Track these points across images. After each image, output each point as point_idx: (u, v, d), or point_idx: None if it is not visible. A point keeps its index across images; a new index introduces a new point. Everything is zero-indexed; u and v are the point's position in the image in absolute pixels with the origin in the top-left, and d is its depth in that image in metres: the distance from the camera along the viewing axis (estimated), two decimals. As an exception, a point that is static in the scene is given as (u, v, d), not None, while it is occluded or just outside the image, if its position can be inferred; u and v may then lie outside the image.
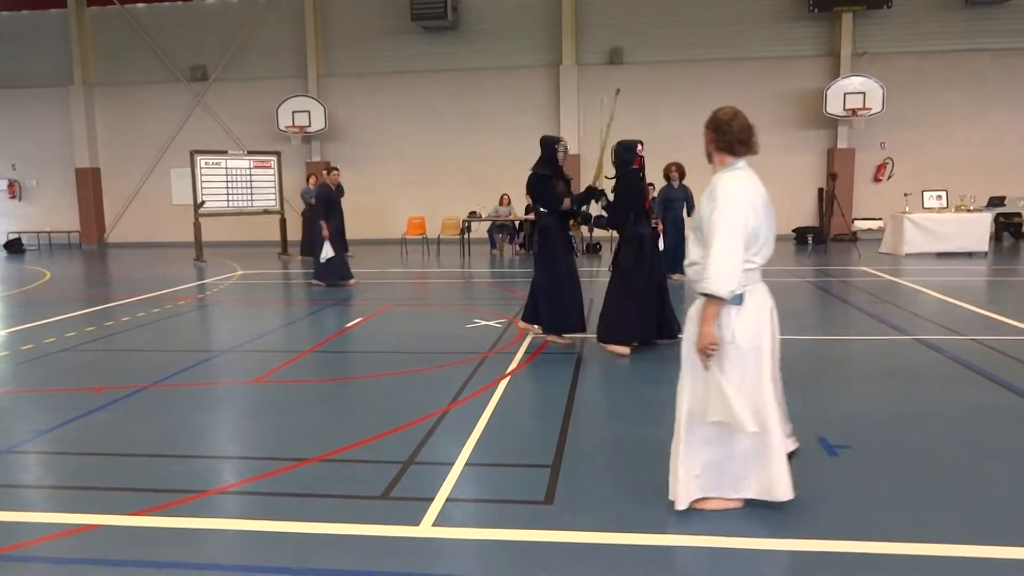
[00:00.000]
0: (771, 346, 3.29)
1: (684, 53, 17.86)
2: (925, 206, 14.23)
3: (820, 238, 16.91)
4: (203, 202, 14.73)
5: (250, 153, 15.57)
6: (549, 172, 6.83)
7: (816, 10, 16.91)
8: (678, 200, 10.97)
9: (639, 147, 6.58)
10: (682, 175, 11.02)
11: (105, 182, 20.26)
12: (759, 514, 3.37)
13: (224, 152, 15.40)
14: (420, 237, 16.83)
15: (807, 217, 17.60)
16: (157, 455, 4.27)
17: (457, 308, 9.18)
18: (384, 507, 3.57)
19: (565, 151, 6.86)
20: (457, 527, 3.33)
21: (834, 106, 16.73)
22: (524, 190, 7.06)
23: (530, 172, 6.92)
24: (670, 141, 17.74)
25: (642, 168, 6.65)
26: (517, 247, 15.83)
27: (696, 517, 3.35)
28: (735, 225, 3.08)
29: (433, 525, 3.34)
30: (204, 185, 14.74)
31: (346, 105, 18.82)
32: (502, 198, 15.86)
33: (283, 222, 15.87)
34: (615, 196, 6.67)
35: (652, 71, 17.97)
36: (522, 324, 7.37)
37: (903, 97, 16.98)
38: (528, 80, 18.34)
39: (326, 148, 19.05)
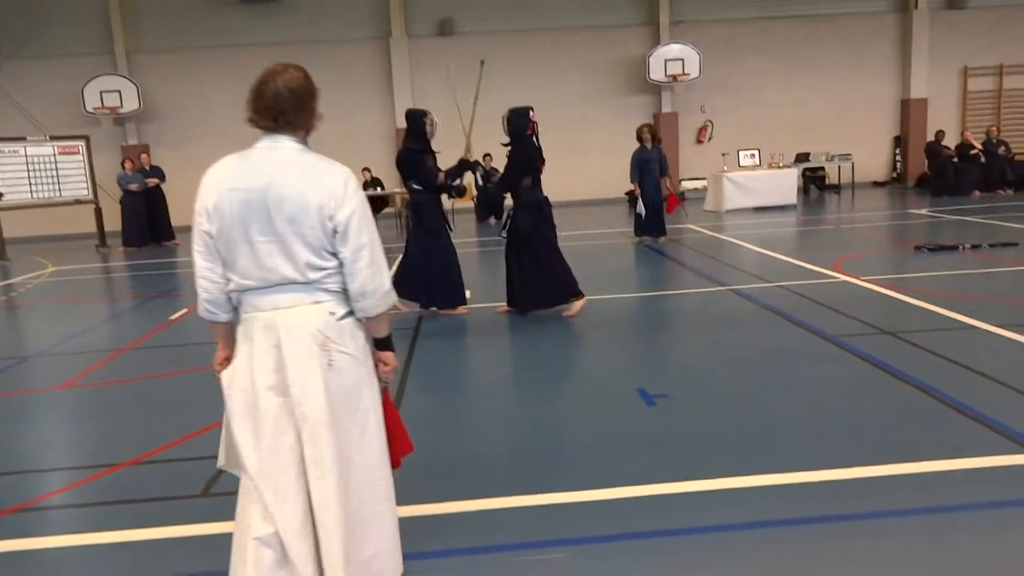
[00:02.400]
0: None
1: (514, 23, 18.02)
2: (741, 164, 15.27)
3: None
4: (1, 194, 13.32)
5: (54, 138, 14.21)
6: (419, 146, 6.76)
7: (636, -21, 17.55)
8: (653, 161, 10.85)
9: (531, 113, 6.57)
10: (654, 136, 11.00)
11: None
12: (564, 468, 3.52)
13: (23, 139, 13.95)
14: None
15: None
16: (-55, 477, 3.87)
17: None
18: (204, 505, 3.42)
19: (433, 124, 6.78)
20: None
21: (656, 72, 17.51)
22: (381, 166, 6.97)
23: (400, 148, 6.86)
24: (503, 109, 17.99)
25: (535, 133, 6.64)
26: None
27: (522, 473, 3.45)
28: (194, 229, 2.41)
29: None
30: (2, 176, 13.31)
31: (162, 83, 17.56)
32: (362, 172, 15.54)
33: (98, 212, 14.66)
34: (511, 162, 6.60)
35: (483, 41, 17.96)
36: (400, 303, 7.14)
37: (719, 63, 18.01)
38: (357, 53, 17.88)
39: (143, 129, 17.74)
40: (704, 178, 18.08)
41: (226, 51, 17.58)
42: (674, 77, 17.47)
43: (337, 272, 2.30)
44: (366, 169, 15.87)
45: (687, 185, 18.33)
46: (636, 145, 11.02)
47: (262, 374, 2.29)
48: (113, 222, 15.26)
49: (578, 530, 2.98)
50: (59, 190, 14.11)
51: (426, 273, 6.91)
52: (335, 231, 2.24)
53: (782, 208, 14.75)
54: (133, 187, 14.25)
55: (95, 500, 3.54)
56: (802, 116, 18.61)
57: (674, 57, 17.43)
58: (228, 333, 2.45)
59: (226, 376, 2.39)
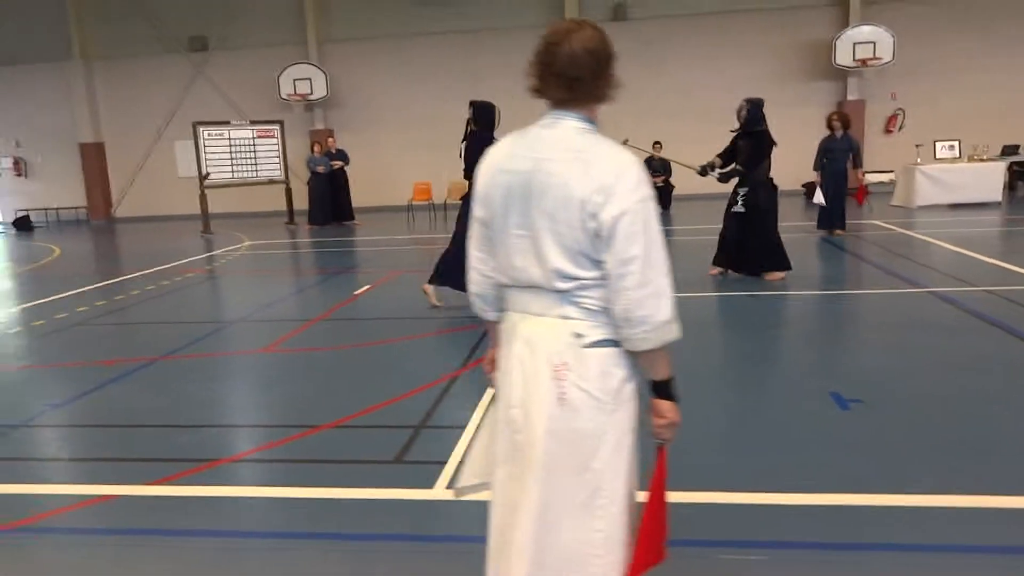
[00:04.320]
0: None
1: (688, 7, 17.50)
2: (937, 157, 14.03)
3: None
4: (208, 174, 14.68)
5: (253, 123, 15.46)
6: (493, 136, 6.68)
7: (824, -42, 16.51)
8: (839, 151, 10.52)
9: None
10: (846, 124, 10.60)
11: (110, 157, 20.20)
12: (769, 468, 3.37)
13: (227, 123, 15.30)
14: (427, 203, 16.74)
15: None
16: (171, 425, 4.30)
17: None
18: (396, 471, 3.59)
19: (499, 114, 6.85)
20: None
21: (843, 57, 16.40)
22: (463, 152, 6.82)
23: (472, 135, 6.73)
24: (676, 97, 17.59)
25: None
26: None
27: (711, 471, 3.35)
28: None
29: (447, 488, 3.35)
30: (208, 156, 14.66)
31: (347, 71, 18.60)
32: None
33: (288, 191, 15.81)
34: (752, 147, 7.61)
35: (656, 26, 17.64)
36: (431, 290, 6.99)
37: (913, 46, 16.59)
38: (530, 39, 17.79)
39: (329, 115, 18.89)
40: (892, 171, 16.80)
41: (404, 40, 18.34)
42: (863, 61, 16.29)
43: (597, 286, 1.77)
44: None
45: (871, 178, 17.05)
46: (823, 133, 10.45)
47: (502, 386, 1.93)
48: (300, 201, 16.43)
49: (788, 534, 2.85)
50: (256, 170, 15.33)
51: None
52: (597, 233, 1.73)
53: (983, 205, 13.41)
54: (320, 169, 15.23)
55: (298, 457, 3.81)
56: (1009, 103, 16.76)
57: (864, 40, 16.24)
58: (493, 332, 2.08)
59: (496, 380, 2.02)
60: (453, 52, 18.23)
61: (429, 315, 6.81)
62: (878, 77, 16.83)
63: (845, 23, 16.82)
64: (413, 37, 18.30)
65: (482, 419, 2.16)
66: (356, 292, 8.12)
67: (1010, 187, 15.92)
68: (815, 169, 10.50)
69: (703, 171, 8.00)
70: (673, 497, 1.92)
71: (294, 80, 17.87)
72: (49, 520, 3.24)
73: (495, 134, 6.78)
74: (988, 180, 13.51)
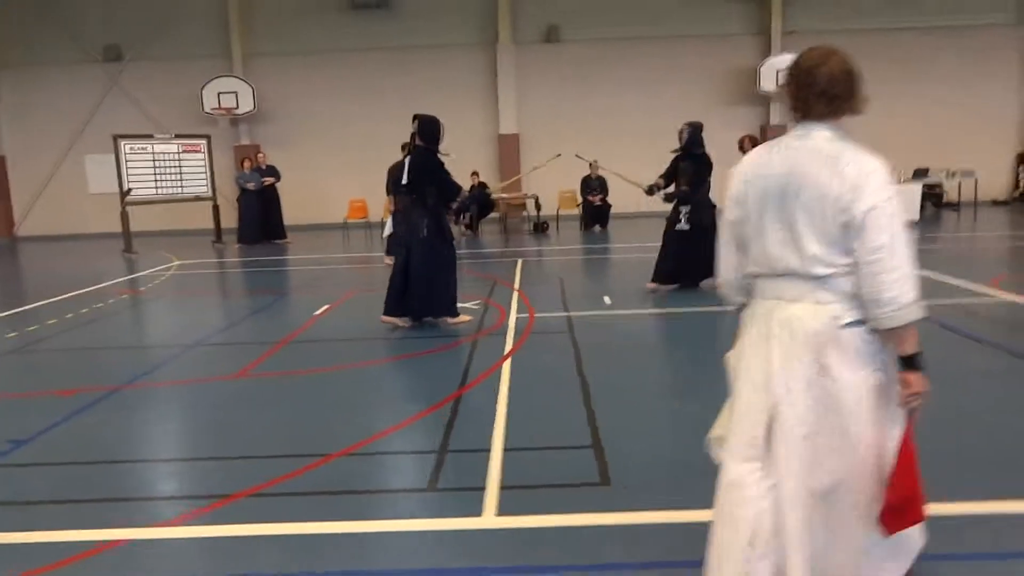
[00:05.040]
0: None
1: (619, 31, 17.87)
2: (859, 178, 14.74)
3: (757, 212, 17.37)
4: (130, 190, 13.86)
5: (178, 137, 14.73)
6: (439, 153, 6.63)
7: (748, -12, 17.21)
8: None
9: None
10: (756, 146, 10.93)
11: (11, 171, 18.84)
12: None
13: (150, 136, 14.51)
14: (363, 220, 16.35)
15: (742, 192, 17.99)
16: (164, 460, 3.95)
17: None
18: (436, 499, 3.38)
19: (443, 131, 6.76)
20: (522, 515, 3.17)
21: (768, 83, 17.10)
22: (407, 167, 6.66)
23: (418, 149, 6.60)
24: (605, 118, 17.87)
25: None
26: (463, 228, 15.57)
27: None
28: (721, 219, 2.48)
29: (498, 515, 3.18)
30: (130, 172, 13.86)
31: (275, 85, 18.03)
32: None
33: (216, 209, 15.11)
34: (695, 169, 7.90)
35: (588, 49, 17.93)
36: (393, 319, 6.77)
37: (830, 73, 17.44)
38: (465, 58, 18.01)
39: (255, 130, 18.25)
40: (811, 192, 17.57)
41: (335, 56, 17.98)
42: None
43: (848, 273, 2.08)
44: (475, 173, 15.87)
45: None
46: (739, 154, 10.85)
47: (752, 361, 2.25)
48: (227, 219, 15.75)
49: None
50: (182, 187, 14.60)
51: (431, 283, 6.61)
52: (848, 225, 2.04)
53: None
54: (251, 186, 14.66)
55: (321, 488, 3.53)
56: (919, 130, 17.86)
57: (786, 67, 16.96)
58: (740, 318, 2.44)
59: (732, 357, 2.41)
60: (386, 69, 17.97)
61: (403, 336, 6.57)
62: (799, 102, 17.58)
63: (768, 52, 17.57)
64: (344, 52, 17.95)
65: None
66: (316, 313, 7.76)
67: (920, 207, 16.92)
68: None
69: (650, 191, 8.23)
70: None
71: (219, 94, 17.19)
72: (63, 571, 2.86)
73: (439, 148, 6.67)
74: (907, 200, 14.27)
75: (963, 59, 17.73)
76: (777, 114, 17.92)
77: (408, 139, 7.20)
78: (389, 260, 10.96)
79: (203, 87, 17.27)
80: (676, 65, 17.87)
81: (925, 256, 10.64)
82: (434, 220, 6.68)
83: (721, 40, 17.85)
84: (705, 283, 7.85)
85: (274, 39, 18.03)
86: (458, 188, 6.80)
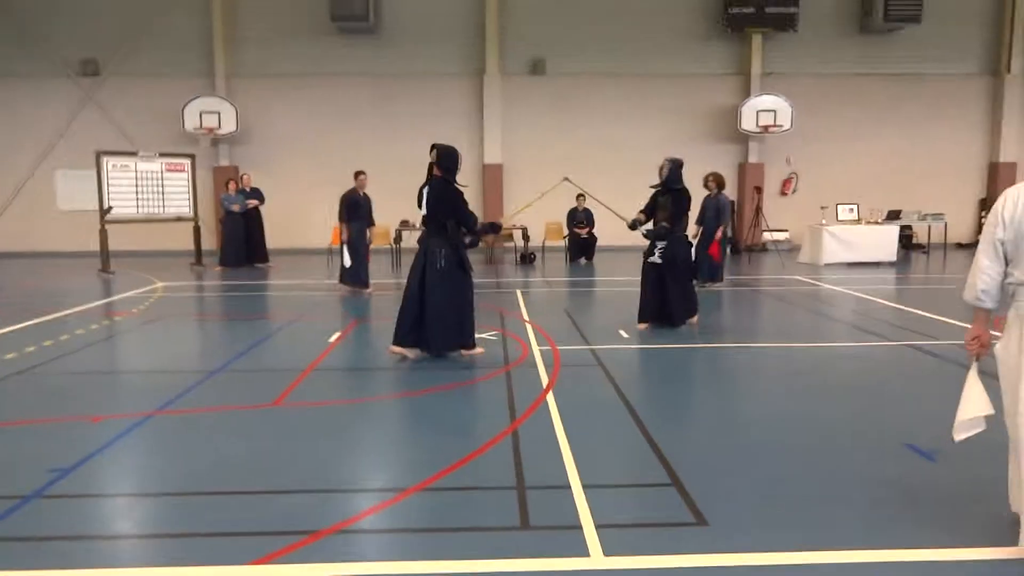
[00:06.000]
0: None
1: (604, 67, 18.17)
2: (839, 218, 15.15)
3: (736, 248, 17.67)
4: (110, 208, 13.46)
5: (162, 155, 14.39)
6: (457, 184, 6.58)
7: (730, 30, 17.68)
8: (709, 209, 11.29)
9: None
10: (720, 185, 11.31)
11: (-26, 185, 18.18)
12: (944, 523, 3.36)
13: (134, 154, 14.15)
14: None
15: (720, 228, 18.32)
16: (234, 492, 3.77)
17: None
18: (534, 538, 3.29)
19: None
20: (632, 555, 3.10)
21: (748, 122, 17.53)
22: (426, 197, 6.53)
23: (436, 179, 6.51)
24: (588, 150, 18.06)
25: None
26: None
27: (859, 527, 3.30)
28: (984, 236, 3.16)
29: (607, 555, 3.11)
30: (112, 190, 13.47)
31: (257, 107, 17.82)
32: None
33: (197, 230, 14.76)
34: (674, 204, 7.98)
35: (573, 82, 18.17)
36: (402, 350, 6.67)
37: (806, 116, 18.01)
38: (451, 87, 18.07)
39: (235, 152, 17.96)
40: (786, 230, 17.99)
41: (321, 79, 17.88)
42: (766, 128, 17.48)
43: None
44: None
45: (767, 236, 18.18)
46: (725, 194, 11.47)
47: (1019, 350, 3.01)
48: (207, 241, 15.40)
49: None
50: (163, 206, 14.24)
51: (451, 315, 6.54)
52: None
53: (879, 265, 14.57)
54: (235, 208, 14.37)
55: (410, 526, 3.42)
56: (888, 173, 18.51)
57: (766, 108, 17.47)
58: (985, 318, 3.21)
59: (1000, 347, 3.14)
60: (371, 94, 17.93)
61: (431, 366, 6.47)
62: (778, 142, 18.08)
63: (747, 92, 18.03)
64: (330, 76, 17.86)
65: (970, 379, 3.32)
66: (330, 340, 7.60)
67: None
68: (697, 223, 11.07)
69: (633, 225, 8.24)
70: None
71: (201, 113, 16.90)
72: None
73: (457, 178, 6.59)
74: (884, 241, 14.75)
75: (932, 107, 18.47)
76: (756, 153, 18.36)
77: (407, 164, 7.26)
78: (343, 289, 10.86)
79: (185, 106, 16.97)
80: (659, 101, 18.22)
81: (923, 296, 10.93)
82: (452, 250, 6.60)
83: (703, 79, 18.27)
84: (689, 321, 8.16)
85: (259, 60, 17.86)
86: (475, 218, 6.76)
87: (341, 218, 10.94)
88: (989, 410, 3.24)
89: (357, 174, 11.11)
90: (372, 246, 16.59)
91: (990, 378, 3.29)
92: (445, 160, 6.53)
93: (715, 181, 11.23)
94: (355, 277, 10.92)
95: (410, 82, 17.92)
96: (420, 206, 6.65)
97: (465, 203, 6.64)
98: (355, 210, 10.91)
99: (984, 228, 3.13)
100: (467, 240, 6.91)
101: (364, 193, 11.06)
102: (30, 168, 17.92)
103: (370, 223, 11.32)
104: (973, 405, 3.26)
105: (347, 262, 10.87)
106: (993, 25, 18.40)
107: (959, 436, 3.33)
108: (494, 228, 7.23)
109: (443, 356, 6.63)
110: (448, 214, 6.54)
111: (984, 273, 3.09)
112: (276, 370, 6.40)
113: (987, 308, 3.15)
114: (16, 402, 5.48)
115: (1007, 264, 3.07)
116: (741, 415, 5.20)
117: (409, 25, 17.82)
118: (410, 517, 3.51)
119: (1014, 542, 3.12)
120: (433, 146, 6.61)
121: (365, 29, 17.45)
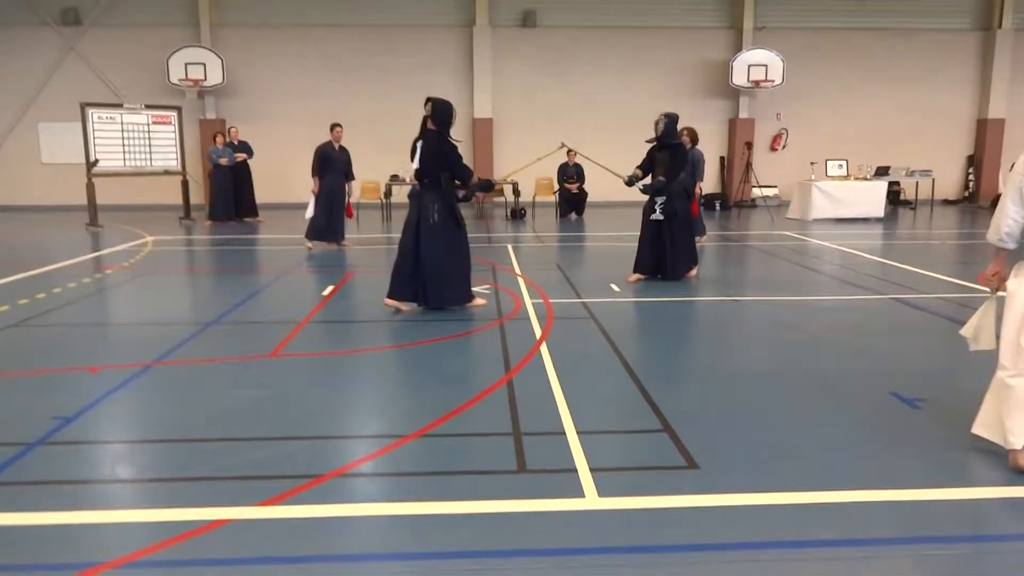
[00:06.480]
0: None
1: (597, 19, 17.96)
2: (829, 174, 15.21)
3: (725, 204, 17.73)
4: (97, 160, 13.32)
5: (148, 107, 14.19)
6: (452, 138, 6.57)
7: (722, -18, 17.49)
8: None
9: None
10: (694, 140, 10.63)
11: (-44, 138, 17.90)
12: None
13: (119, 105, 13.94)
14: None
15: (710, 184, 18.32)
16: (239, 438, 3.85)
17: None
18: (531, 481, 3.40)
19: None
20: (627, 496, 3.22)
21: (739, 77, 17.44)
22: (419, 150, 6.49)
23: (430, 132, 6.45)
24: (578, 105, 17.95)
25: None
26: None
27: (845, 469, 3.43)
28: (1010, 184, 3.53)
29: (601, 496, 3.22)
30: (98, 142, 13.31)
31: (243, 59, 17.53)
32: None
33: (185, 184, 14.65)
34: (671, 159, 7.95)
35: (564, 35, 17.97)
36: (397, 303, 6.71)
37: (798, 71, 17.93)
38: (440, 40, 17.83)
39: (222, 104, 17.72)
40: (775, 186, 18.05)
41: (309, 30, 17.59)
42: (757, 83, 17.40)
43: None
44: None
45: (757, 192, 18.22)
46: (719, 147, 11.15)
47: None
48: (195, 195, 15.29)
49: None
50: (151, 160, 14.10)
51: (447, 270, 6.62)
52: None
53: (867, 220, 14.68)
54: (224, 161, 14.26)
55: (411, 470, 3.51)
56: (878, 129, 18.54)
57: (758, 62, 17.36)
58: (1004, 258, 3.57)
59: (1011, 284, 3.48)
60: (359, 46, 17.68)
61: (426, 319, 6.54)
62: (768, 98, 18.02)
63: (739, 47, 17.89)
64: (317, 27, 17.58)
65: (986, 307, 3.70)
66: (324, 293, 7.65)
67: (882, 204, 17.55)
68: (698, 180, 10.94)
69: (629, 182, 8.21)
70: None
71: (186, 64, 16.62)
72: (162, 553, 2.78)
73: (451, 132, 6.58)
74: (873, 197, 14.84)
75: (923, 62, 18.43)
76: (746, 108, 18.30)
77: (404, 118, 7.10)
78: (311, 245, 10.82)
79: (169, 56, 16.68)
80: (650, 55, 18.07)
81: (912, 251, 11.06)
82: (445, 205, 6.62)
83: (694, 33, 18.11)
84: (688, 274, 8.32)
85: (244, 9, 17.54)
86: (470, 172, 6.78)
87: (313, 171, 10.81)
88: (992, 346, 3.63)
89: (333, 126, 10.95)
90: (361, 200, 16.61)
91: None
92: (439, 114, 6.48)
93: (688, 135, 11.10)
94: (318, 232, 10.79)
95: (399, 33, 17.66)
96: (412, 159, 6.63)
97: (460, 157, 6.64)
98: (327, 164, 10.75)
99: (1010, 178, 3.49)
100: (460, 194, 6.93)
101: (341, 146, 10.90)
102: (11, 121, 17.63)
103: (349, 177, 11.11)
104: (983, 335, 3.69)
105: (308, 213, 10.78)
106: (987, -21, 18.28)
107: (973, 348, 3.78)
108: (488, 186, 7.25)
109: (440, 309, 6.70)
110: (442, 167, 6.53)
111: (1009, 217, 3.45)
112: (271, 322, 6.45)
113: (1008, 248, 3.52)
114: (13, 353, 5.51)
115: None
116: (730, 365, 5.32)
117: (397, -26, 17.50)
118: (410, 462, 3.61)
119: (992, 480, 3.28)
120: (428, 99, 6.56)
121: (352, -22, 17.13)
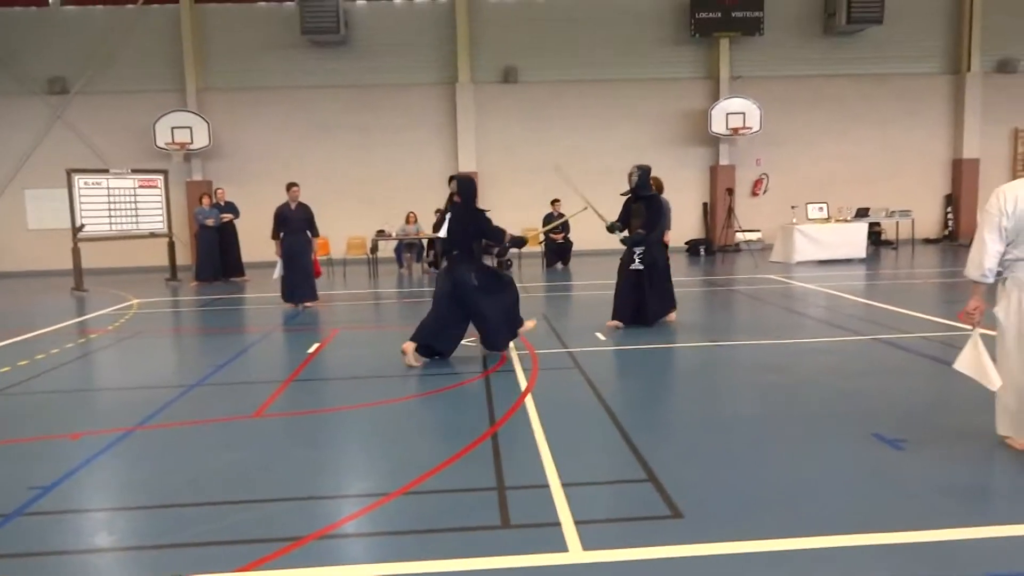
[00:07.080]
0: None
1: (575, 73, 18.37)
2: (809, 217, 15.42)
3: (710, 249, 17.91)
4: (82, 226, 13.37)
5: (134, 171, 14.31)
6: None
7: (697, 35, 17.96)
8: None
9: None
10: (659, 188, 10.77)
11: (-59, 206, 17.94)
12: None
13: (105, 171, 14.06)
14: (324, 258, 16.10)
15: (693, 230, 18.56)
16: (217, 502, 3.81)
17: (407, 328, 8.84)
18: (515, 536, 3.37)
19: None
20: (611, 549, 3.19)
21: (718, 125, 17.79)
22: (448, 222, 6.87)
23: (457, 206, 6.81)
24: (561, 157, 18.18)
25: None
26: (425, 265, 15.57)
27: (830, 514, 3.41)
28: (988, 223, 3.87)
29: (585, 550, 3.19)
30: (84, 207, 13.38)
31: (229, 121, 17.78)
32: (408, 216, 15.57)
33: (171, 245, 14.69)
34: (651, 211, 8.14)
35: (545, 89, 18.35)
36: (411, 352, 6.79)
37: (775, 118, 18.31)
38: (423, 97, 18.16)
39: (208, 166, 17.90)
40: (759, 230, 18.26)
41: (293, 92, 17.90)
42: (735, 130, 17.75)
43: None
44: (411, 213, 15.74)
45: (740, 236, 18.41)
46: (701, 194, 11.30)
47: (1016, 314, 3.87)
48: (181, 256, 15.32)
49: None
50: (137, 223, 14.16)
51: (505, 312, 7.00)
52: None
53: (849, 262, 14.84)
54: (210, 222, 14.34)
55: (394, 529, 3.48)
56: (856, 171, 18.87)
57: (736, 111, 17.73)
58: (983, 292, 3.91)
59: (1001, 311, 3.91)
60: (344, 106, 17.97)
61: (412, 374, 6.53)
62: (748, 144, 18.36)
63: (717, 95, 18.30)
64: (301, 89, 17.90)
65: (974, 343, 4.02)
66: (310, 351, 7.63)
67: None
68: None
69: (611, 228, 8.42)
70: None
71: (172, 128, 16.83)
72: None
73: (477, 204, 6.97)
74: (854, 238, 15.04)
75: (896, 106, 18.86)
76: (727, 155, 18.62)
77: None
78: (288, 305, 10.77)
79: (156, 121, 16.90)
80: (630, 106, 18.44)
81: (894, 291, 11.17)
82: (480, 267, 6.95)
83: (672, 84, 18.53)
84: (668, 318, 8.43)
85: (229, 74, 17.84)
86: (503, 232, 7.07)
87: (273, 234, 10.72)
88: (983, 380, 4.00)
89: (289, 186, 10.94)
90: (347, 256, 16.69)
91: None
92: (465, 190, 6.88)
93: (654, 184, 11.20)
94: (290, 294, 10.68)
95: (382, 92, 17.98)
96: (437, 230, 7.02)
97: (489, 220, 6.97)
98: (283, 224, 10.67)
99: (985, 217, 3.83)
100: (495, 252, 7.23)
101: (300, 203, 10.82)
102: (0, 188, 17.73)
103: (314, 233, 10.97)
104: (991, 374, 3.96)
105: (276, 274, 10.71)
106: (952, 25, 18.84)
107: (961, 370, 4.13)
108: (521, 242, 7.54)
109: (434, 361, 6.88)
110: (474, 235, 6.85)
111: (989, 254, 3.79)
112: (256, 382, 6.42)
113: (988, 283, 3.84)
114: (-7, 422, 5.46)
115: (1007, 245, 3.85)
116: (715, 411, 5.32)
117: (380, 36, 17.90)
118: (393, 520, 3.57)
119: (978, 520, 3.27)
120: (452, 177, 7.03)
121: (336, 41, 17.51)
